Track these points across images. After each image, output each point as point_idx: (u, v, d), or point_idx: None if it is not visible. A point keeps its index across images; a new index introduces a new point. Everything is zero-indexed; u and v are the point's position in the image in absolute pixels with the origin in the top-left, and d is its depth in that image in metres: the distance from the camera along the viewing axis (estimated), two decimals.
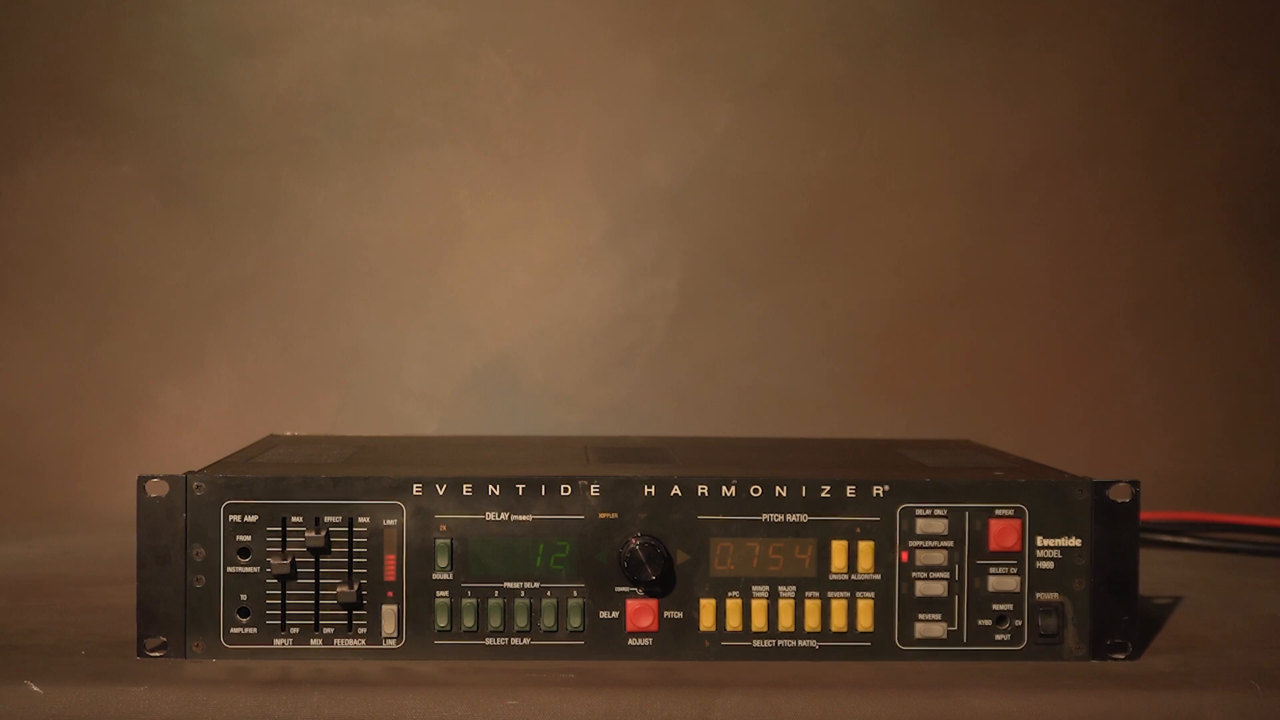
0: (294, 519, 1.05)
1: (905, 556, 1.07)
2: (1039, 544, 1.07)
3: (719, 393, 1.74)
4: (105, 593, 1.25)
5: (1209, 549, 1.54)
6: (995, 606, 1.07)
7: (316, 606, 1.05)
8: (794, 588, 1.07)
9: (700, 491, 1.07)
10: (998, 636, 1.07)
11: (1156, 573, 1.38)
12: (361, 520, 1.05)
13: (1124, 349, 1.77)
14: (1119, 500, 1.07)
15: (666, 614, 1.06)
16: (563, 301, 1.75)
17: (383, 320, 1.74)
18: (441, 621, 1.06)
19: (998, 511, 1.07)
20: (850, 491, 1.07)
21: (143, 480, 1.04)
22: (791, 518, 1.07)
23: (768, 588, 1.07)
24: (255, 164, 1.73)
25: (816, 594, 1.07)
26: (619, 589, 1.06)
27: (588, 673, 1.03)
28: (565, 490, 1.06)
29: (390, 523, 1.06)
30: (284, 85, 1.72)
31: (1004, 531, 1.07)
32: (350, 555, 1.05)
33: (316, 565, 1.05)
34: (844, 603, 1.07)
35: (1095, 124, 1.76)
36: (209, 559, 1.05)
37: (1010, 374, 1.76)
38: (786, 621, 1.07)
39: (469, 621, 1.06)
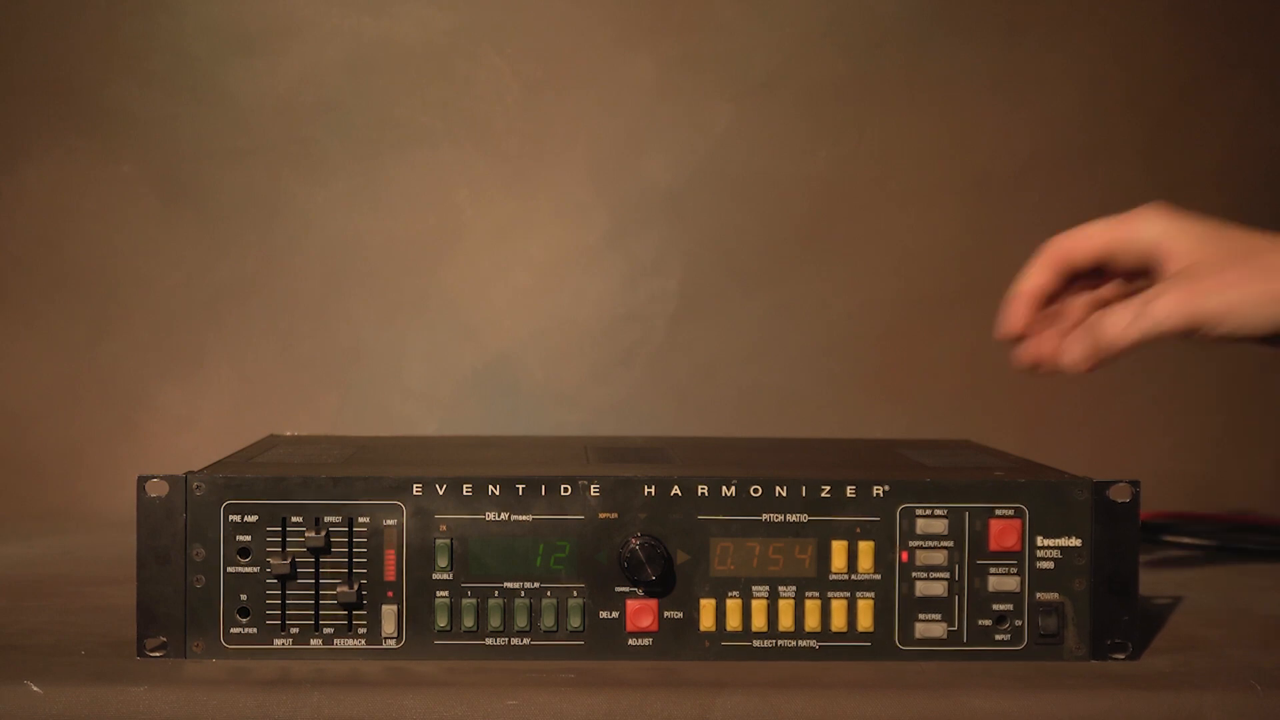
0: (294, 519, 1.05)
1: (905, 556, 1.07)
2: (1039, 544, 1.07)
3: (719, 393, 1.74)
4: (105, 593, 1.25)
5: (1209, 549, 1.54)
6: (995, 606, 1.07)
7: (316, 606, 1.05)
8: (794, 588, 1.07)
9: (700, 491, 1.07)
10: (998, 636, 1.07)
11: (1156, 573, 1.38)
12: (361, 520, 1.05)
13: None
14: (1119, 500, 1.07)
15: (666, 614, 1.06)
16: (563, 301, 1.75)
17: (383, 320, 1.74)
18: (441, 621, 1.06)
19: (998, 511, 1.07)
20: (850, 491, 1.07)
21: (143, 480, 1.04)
22: (791, 518, 1.07)
23: (768, 588, 1.07)
24: (255, 164, 1.73)
25: (816, 594, 1.07)
26: (619, 589, 1.06)
27: (588, 673, 1.03)
28: (565, 490, 1.06)
29: (390, 523, 1.06)
30: (284, 85, 1.72)
31: (1004, 531, 1.07)
32: (350, 555, 1.05)
33: (316, 565, 1.05)
34: (844, 603, 1.07)
35: (1095, 124, 1.76)
36: (209, 559, 1.05)
37: (1010, 374, 1.75)
38: (786, 621, 1.07)
39: (469, 621, 1.06)
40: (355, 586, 1.05)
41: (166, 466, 1.09)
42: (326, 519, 1.05)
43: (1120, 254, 1.09)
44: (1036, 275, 1.10)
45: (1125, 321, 1.05)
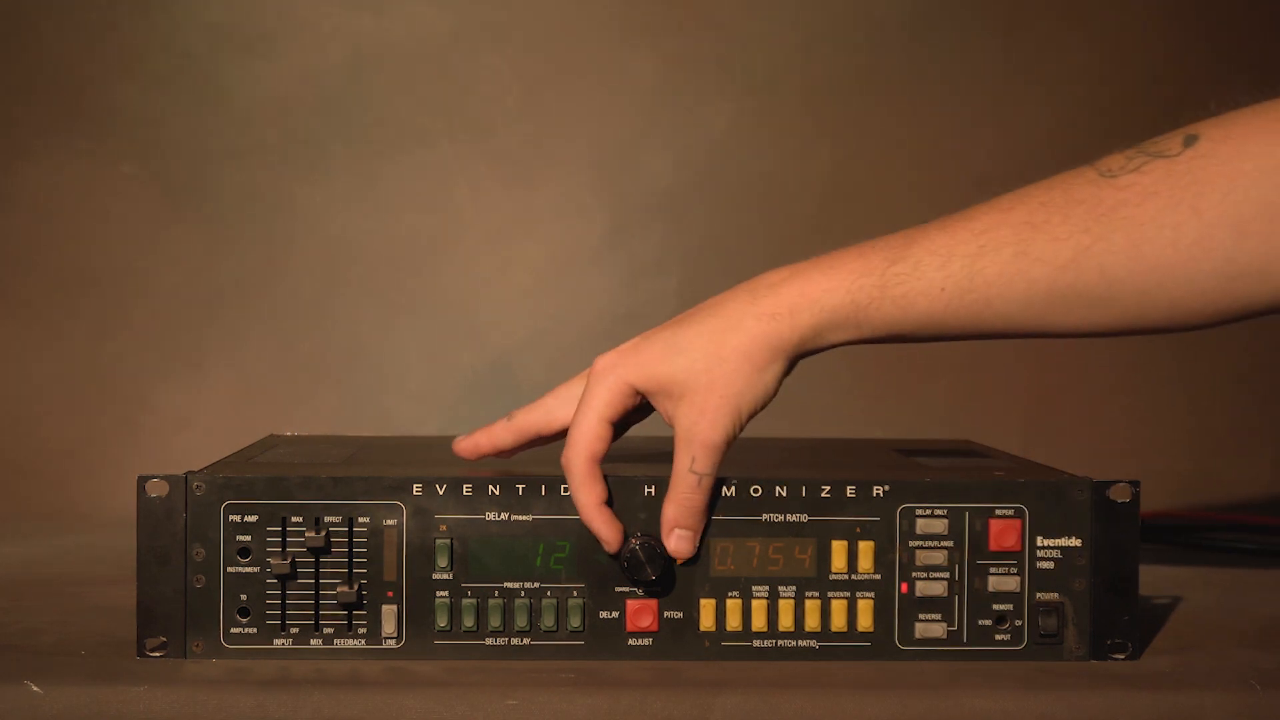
0: (294, 519, 1.05)
1: (905, 556, 1.07)
2: (1039, 544, 1.07)
3: None
4: (105, 593, 1.25)
5: (1209, 549, 1.54)
6: (995, 606, 1.07)
7: (316, 606, 1.05)
8: (794, 588, 1.07)
9: None
10: (998, 636, 1.07)
11: (1156, 573, 1.38)
12: (361, 520, 1.05)
13: (1124, 349, 1.76)
14: (1119, 500, 1.07)
15: (666, 614, 1.06)
16: (563, 301, 1.75)
17: (382, 320, 1.74)
18: (441, 621, 1.06)
19: (998, 511, 1.07)
20: (850, 491, 1.07)
21: (143, 480, 1.04)
22: (791, 518, 1.07)
23: (768, 588, 1.07)
24: (255, 164, 1.73)
25: (816, 594, 1.07)
26: (619, 589, 1.06)
27: (588, 673, 1.03)
28: (565, 490, 1.06)
29: (390, 523, 1.06)
30: (284, 85, 1.72)
31: (1004, 531, 1.07)
32: (350, 555, 1.05)
33: (316, 565, 1.05)
34: (844, 603, 1.07)
35: (1095, 124, 1.76)
36: (209, 559, 1.05)
37: (1010, 374, 1.76)
38: (786, 621, 1.07)
39: (469, 621, 1.06)
40: (355, 586, 1.05)
41: (166, 466, 1.09)
42: (326, 519, 1.05)
43: None
44: (504, 440, 1.11)
45: (689, 489, 1.05)
